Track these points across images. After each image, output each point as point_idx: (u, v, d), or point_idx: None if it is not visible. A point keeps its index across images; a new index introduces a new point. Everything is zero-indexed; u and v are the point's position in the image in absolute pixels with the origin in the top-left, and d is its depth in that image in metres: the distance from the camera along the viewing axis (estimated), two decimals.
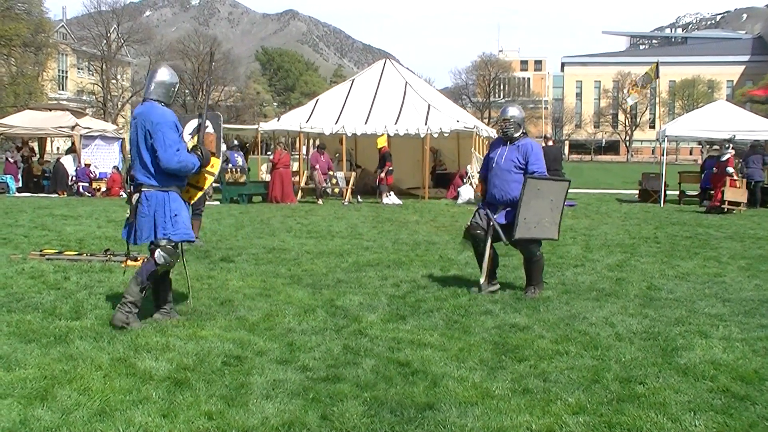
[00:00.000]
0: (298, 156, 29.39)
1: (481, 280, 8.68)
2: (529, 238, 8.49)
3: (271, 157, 25.18)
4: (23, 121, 28.85)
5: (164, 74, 7.01)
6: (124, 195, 24.90)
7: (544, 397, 5.11)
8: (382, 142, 24.43)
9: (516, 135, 8.62)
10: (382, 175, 24.28)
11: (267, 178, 25.75)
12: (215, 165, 7.63)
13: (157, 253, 6.78)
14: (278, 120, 28.80)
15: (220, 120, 8.52)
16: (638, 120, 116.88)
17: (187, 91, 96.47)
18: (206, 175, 7.51)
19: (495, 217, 8.59)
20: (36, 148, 30.74)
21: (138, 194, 6.82)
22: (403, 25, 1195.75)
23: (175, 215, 6.78)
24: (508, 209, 8.53)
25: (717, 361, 5.96)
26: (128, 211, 6.95)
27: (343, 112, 26.92)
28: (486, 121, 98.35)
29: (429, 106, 26.64)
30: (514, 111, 8.69)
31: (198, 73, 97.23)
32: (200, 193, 7.63)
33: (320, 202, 23.60)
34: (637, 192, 26.95)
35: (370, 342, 6.46)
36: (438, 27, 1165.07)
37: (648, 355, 6.15)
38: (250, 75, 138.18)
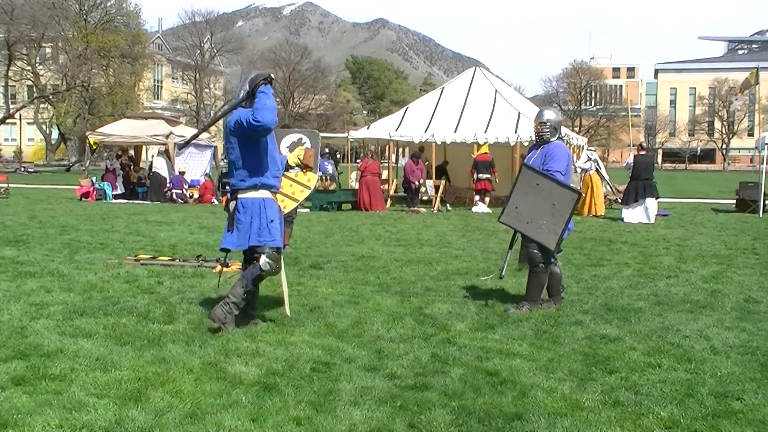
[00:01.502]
0: (387, 164, 29.51)
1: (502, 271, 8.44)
2: (527, 236, 8.07)
3: (359, 165, 25.37)
4: (120, 129, 29.85)
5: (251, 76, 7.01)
6: (216, 202, 25.42)
7: (635, 410, 5.00)
8: (480, 150, 24.54)
9: (552, 139, 8.34)
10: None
11: (356, 186, 25.94)
12: (311, 179, 7.82)
13: (263, 260, 6.87)
14: (368, 128, 28.95)
15: (318, 137, 8.71)
16: (736, 127, 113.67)
17: (278, 99, 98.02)
18: (302, 188, 7.66)
19: None
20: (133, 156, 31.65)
21: (234, 201, 6.94)
22: (492, 32, 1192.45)
23: (271, 221, 6.86)
24: None
25: None
26: (227, 219, 7.08)
27: (432, 120, 26.91)
28: (577, 129, 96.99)
29: (519, 114, 26.39)
30: (550, 114, 8.39)
31: (289, 81, 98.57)
32: (294, 204, 7.76)
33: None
34: (734, 201, 26.22)
35: (458, 351, 6.43)
36: (528, 34, 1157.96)
37: (746, 370, 5.95)
38: (339, 83, 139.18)
